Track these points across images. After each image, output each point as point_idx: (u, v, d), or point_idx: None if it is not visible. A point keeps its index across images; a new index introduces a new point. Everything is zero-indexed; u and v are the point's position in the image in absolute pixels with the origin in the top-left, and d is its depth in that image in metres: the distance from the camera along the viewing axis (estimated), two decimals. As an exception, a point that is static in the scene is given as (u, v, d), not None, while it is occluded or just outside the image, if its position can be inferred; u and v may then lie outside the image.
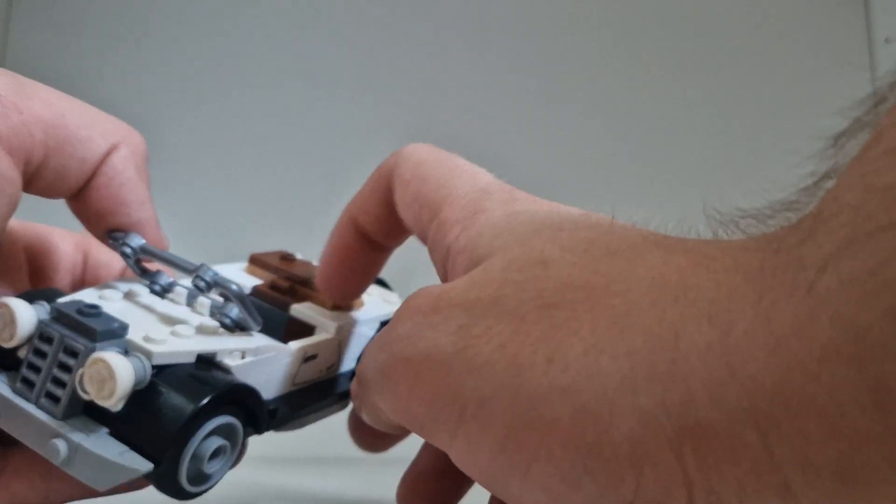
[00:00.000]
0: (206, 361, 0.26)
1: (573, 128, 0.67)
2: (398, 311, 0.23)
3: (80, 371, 0.23)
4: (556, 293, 0.19)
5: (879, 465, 0.14)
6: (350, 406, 0.34)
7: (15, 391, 0.24)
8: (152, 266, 0.31)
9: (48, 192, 0.28)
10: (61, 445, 0.23)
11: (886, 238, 0.13)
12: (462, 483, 0.31)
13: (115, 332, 0.24)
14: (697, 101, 0.67)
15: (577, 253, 0.20)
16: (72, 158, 0.28)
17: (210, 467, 0.25)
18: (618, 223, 0.21)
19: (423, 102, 0.66)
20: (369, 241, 0.30)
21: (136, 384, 0.23)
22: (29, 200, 0.28)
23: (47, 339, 0.24)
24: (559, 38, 0.67)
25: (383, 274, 0.37)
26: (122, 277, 0.32)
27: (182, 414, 0.23)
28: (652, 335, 0.17)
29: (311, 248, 0.38)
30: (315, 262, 0.36)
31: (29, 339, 0.25)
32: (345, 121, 0.66)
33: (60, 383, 0.24)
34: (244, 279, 0.34)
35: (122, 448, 0.23)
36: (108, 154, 0.29)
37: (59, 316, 0.25)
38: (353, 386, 0.27)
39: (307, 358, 0.30)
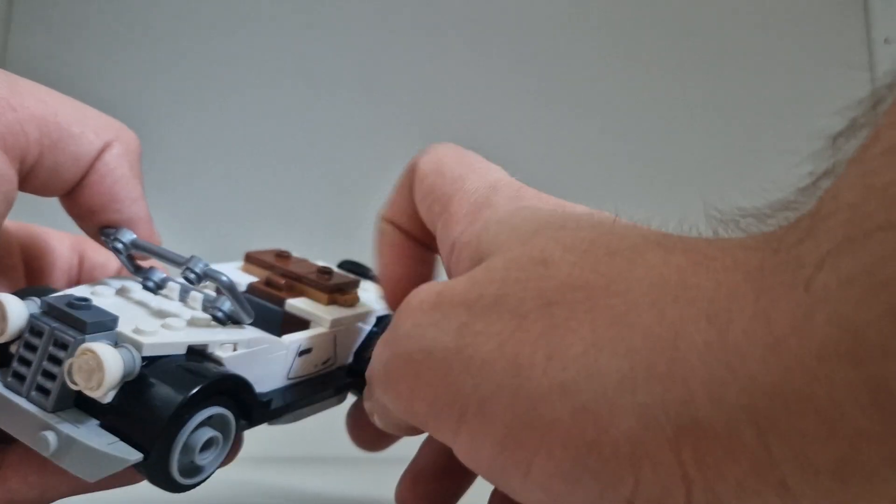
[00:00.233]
0: (198, 353, 0.26)
1: (575, 128, 0.67)
2: (400, 308, 0.23)
3: (68, 361, 0.23)
4: (556, 292, 0.19)
5: (878, 464, 0.14)
6: (348, 403, 0.34)
7: (6, 386, 0.24)
8: (146, 263, 0.31)
9: (43, 190, 0.29)
10: (51, 437, 0.23)
11: (885, 237, 0.13)
12: (461, 482, 0.31)
13: (104, 325, 0.24)
14: (698, 100, 0.67)
15: (578, 252, 0.20)
16: (66, 156, 0.28)
17: (202, 459, 0.25)
18: (620, 222, 0.21)
19: (423, 102, 0.66)
20: (411, 237, 0.30)
21: (125, 375, 0.23)
22: (24, 200, 0.28)
23: (38, 333, 0.24)
24: (561, 39, 0.67)
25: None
26: (116, 276, 0.32)
27: (171, 404, 0.23)
28: (651, 335, 0.17)
29: (307, 248, 0.38)
30: (311, 260, 0.36)
31: (20, 335, 0.25)
32: (341, 120, 0.66)
33: (51, 376, 0.24)
34: (240, 277, 0.34)
35: (112, 439, 0.23)
36: (101, 151, 0.29)
37: (49, 309, 0.25)
38: (366, 389, 0.27)
39: (301, 352, 0.30)
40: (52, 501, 0.26)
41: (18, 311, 0.25)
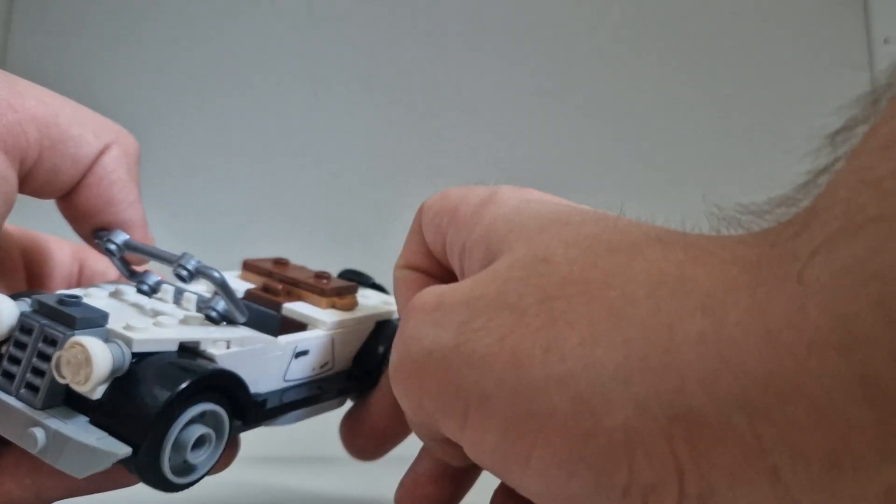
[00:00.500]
0: (190, 350, 0.25)
1: (575, 128, 0.67)
2: (405, 312, 0.23)
3: (56, 354, 0.22)
4: (556, 288, 0.19)
5: (868, 452, 0.14)
6: (345, 409, 0.34)
7: None
8: (141, 268, 0.31)
9: (41, 192, 0.29)
10: (38, 433, 0.22)
11: (876, 229, 0.14)
12: (460, 486, 0.30)
13: (94, 321, 0.24)
14: (698, 100, 0.67)
15: (580, 249, 0.20)
16: (65, 158, 0.28)
17: (194, 457, 0.24)
18: (623, 218, 0.22)
19: (425, 108, 0.66)
20: (428, 274, 0.29)
21: (114, 370, 0.23)
22: (21, 203, 0.28)
23: (28, 331, 0.24)
24: (561, 39, 0.68)
25: (384, 280, 0.37)
26: (112, 282, 0.32)
27: (160, 398, 0.23)
28: (647, 326, 0.17)
29: (306, 256, 0.37)
30: (309, 267, 0.35)
31: (11, 334, 0.24)
32: (341, 128, 0.66)
33: (40, 373, 0.23)
34: (238, 284, 0.34)
35: (101, 434, 0.23)
36: (100, 154, 0.29)
37: (40, 307, 0.24)
38: None
39: (298, 354, 0.29)
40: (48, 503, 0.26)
41: (9, 309, 0.24)
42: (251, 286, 0.33)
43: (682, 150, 0.66)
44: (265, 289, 0.33)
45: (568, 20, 0.68)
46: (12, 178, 0.26)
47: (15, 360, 0.24)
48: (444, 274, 0.28)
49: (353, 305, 0.33)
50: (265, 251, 0.38)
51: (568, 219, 0.22)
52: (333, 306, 0.32)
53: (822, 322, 0.14)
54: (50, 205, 0.30)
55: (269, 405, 0.27)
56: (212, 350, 0.26)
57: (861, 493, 0.14)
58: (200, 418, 0.24)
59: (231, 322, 0.28)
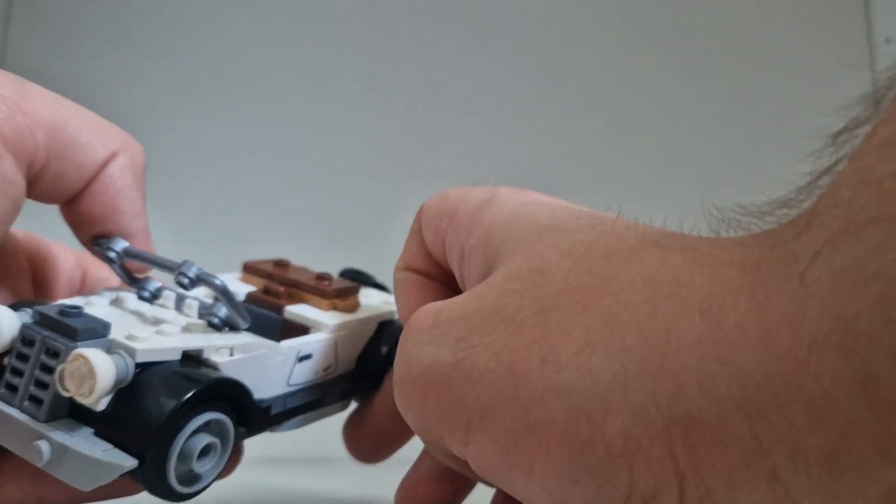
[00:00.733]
0: (193, 359, 0.25)
1: (576, 128, 0.67)
2: (402, 333, 0.23)
3: (60, 367, 0.22)
4: (552, 298, 0.19)
5: (867, 452, 0.14)
6: (348, 411, 0.34)
7: None
8: (142, 274, 0.30)
9: (47, 197, 0.28)
10: (44, 447, 0.22)
11: (877, 229, 0.14)
12: (461, 488, 0.30)
13: (96, 331, 0.24)
14: (699, 100, 0.67)
15: (575, 257, 0.20)
16: (72, 163, 0.28)
17: (200, 466, 0.24)
18: (620, 222, 0.22)
19: (425, 109, 0.66)
20: (428, 276, 0.29)
21: (117, 382, 0.23)
22: (30, 212, 0.28)
23: (29, 342, 0.24)
24: (561, 39, 0.67)
25: (385, 279, 0.37)
26: (112, 288, 0.31)
27: (165, 408, 0.23)
28: (643, 332, 0.17)
29: (306, 257, 0.37)
30: (310, 268, 0.35)
31: (13, 346, 0.24)
32: (341, 127, 0.65)
33: (43, 385, 0.23)
34: (238, 287, 0.33)
35: (106, 446, 0.23)
36: (107, 162, 0.29)
37: (41, 318, 0.24)
38: None
39: (301, 358, 0.29)
40: None
41: (10, 321, 0.24)
42: (252, 289, 0.33)
43: (683, 151, 0.66)
44: (266, 291, 0.33)
45: (568, 20, 0.67)
46: (20, 182, 0.26)
47: (17, 373, 0.24)
48: (444, 276, 0.28)
49: (355, 307, 0.33)
50: (265, 251, 0.38)
51: (564, 225, 0.22)
52: (335, 308, 0.32)
53: (822, 323, 0.14)
54: (49, 210, 0.30)
55: (274, 411, 0.27)
56: (215, 358, 0.26)
57: (862, 494, 0.14)
58: (205, 427, 0.24)
59: (233, 328, 0.28)
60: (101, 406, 0.23)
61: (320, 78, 0.65)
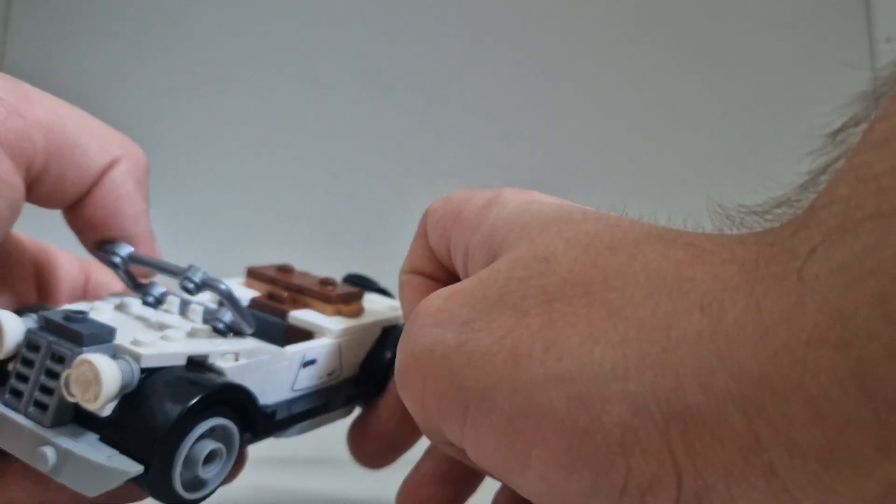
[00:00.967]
0: (198, 364, 0.25)
1: (578, 128, 0.67)
2: (410, 316, 0.23)
3: (65, 373, 0.22)
4: (557, 289, 0.19)
5: (864, 448, 0.14)
6: (353, 416, 0.33)
7: (3, 403, 0.24)
8: (146, 279, 0.30)
9: (47, 201, 0.28)
10: (49, 452, 0.22)
11: (874, 226, 0.14)
12: (463, 489, 0.30)
13: (101, 337, 0.24)
14: (700, 100, 0.67)
15: (580, 248, 0.20)
16: (71, 167, 0.28)
17: (205, 472, 0.24)
18: (625, 217, 0.22)
19: (428, 111, 0.66)
20: (434, 278, 0.30)
21: (123, 387, 0.23)
22: (29, 216, 0.28)
23: (34, 348, 0.24)
24: (563, 39, 0.67)
25: (389, 285, 0.37)
26: (117, 293, 0.31)
27: (171, 414, 0.23)
28: (645, 326, 0.17)
29: (310, 262, 0.37)
30: (314, 273, 0.35)
31: (18, 351, 0.24)
32: (345, 131, 0.65)
33: (48, 391, 0.23)
34: (242, 292, 0.33)
35: (112, 452, 0.23)
36: (109, 167, 0.29)
37: (46, 324, 0.24)
38: None
39: (305, 363, 0.29)
40: None
41: (15, 326, 0.24)
42: (256, 294, 0.33)
43: (684, 150, 0.66)
44: (270, 296, 0.33)
45: (569, 20, 0.67)
46: (19, 185, 0.26)
47: (23, 378, 0.24)
48: (450, 278, 0.28)
49: (359, 312, 0.33)
50: (269, 256, 0.38)
51: (569, 217, 0.22)
52: (339, 313, 0.32)
53: (819, 319, 0.14)
54: (54, 217, 0.30)
55: (278, 416, 0.27)
56: (220, 363, 0.26)
57: (859, 490, 0.14)
58: (211, 433, 0.24)
59: (238, 333, 0.28)
60: (107, 411, 0.23)
61: (323, 81, 0.65)
